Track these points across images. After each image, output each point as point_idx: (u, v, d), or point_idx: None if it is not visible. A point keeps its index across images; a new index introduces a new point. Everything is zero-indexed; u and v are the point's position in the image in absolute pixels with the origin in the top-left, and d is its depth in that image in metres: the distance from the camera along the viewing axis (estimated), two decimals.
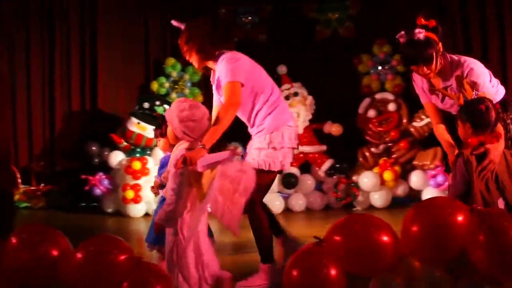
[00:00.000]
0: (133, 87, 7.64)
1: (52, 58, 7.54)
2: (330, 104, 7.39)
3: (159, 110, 6.68)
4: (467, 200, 2.70)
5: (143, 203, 6.57)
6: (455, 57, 3.28)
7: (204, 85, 7.81)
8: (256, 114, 3.37)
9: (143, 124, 6.67)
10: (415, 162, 6.73)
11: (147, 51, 7.84)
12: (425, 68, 3.19)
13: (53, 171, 7.53)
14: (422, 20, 3.20)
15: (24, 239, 2.65)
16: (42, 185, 7.38)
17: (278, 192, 6.71)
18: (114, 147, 6.81)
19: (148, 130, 6.64)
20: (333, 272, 2.40)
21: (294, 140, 3.38)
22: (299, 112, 6.92)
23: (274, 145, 3.30)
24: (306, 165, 7.05)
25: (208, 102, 8.03)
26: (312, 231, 5.68)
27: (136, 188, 6.45)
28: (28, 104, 7.52)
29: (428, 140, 6.65)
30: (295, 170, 6.72)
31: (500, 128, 2.88)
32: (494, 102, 2.98)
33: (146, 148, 6.76)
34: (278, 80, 7.16)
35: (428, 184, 6.46)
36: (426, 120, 6.70)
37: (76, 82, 7.58)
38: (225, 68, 3.27)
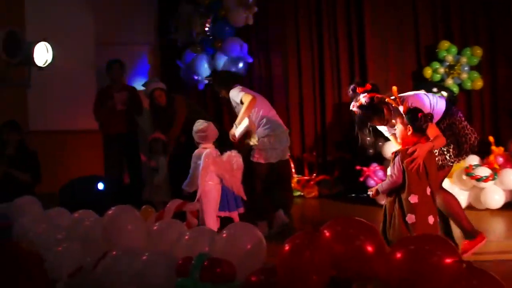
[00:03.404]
0: (404, 74, 7.35)
1: (321, 50, 7.67)
2: None
3: None
4: (404, 186, 3.55)
5: None
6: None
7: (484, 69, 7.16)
8: (258, 125, 5.09)
9: None
10: None
11: (418, 36, 7.44)
12: (378, 121, 3.97)
13: (325, 161, 7.68)
14: (360, 89, 3.85)
15: (338, 232, 2.54)
16: (314, 175, 7.59)
17: None
18: (388, 138, 6.58)
19: None
20: None
21: (276, 143, 5.06)
22: None
23: (259, 147, 5.04)
24: None
25: (488, 87, 7.33)
26: None
27: None
28: (300, 97, 7.80)
29: None
30: None
31: (429, 133, 3.64)
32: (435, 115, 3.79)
33: None
34: None
35: None
36: None
37: (346, 73, 7.59)
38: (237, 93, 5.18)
